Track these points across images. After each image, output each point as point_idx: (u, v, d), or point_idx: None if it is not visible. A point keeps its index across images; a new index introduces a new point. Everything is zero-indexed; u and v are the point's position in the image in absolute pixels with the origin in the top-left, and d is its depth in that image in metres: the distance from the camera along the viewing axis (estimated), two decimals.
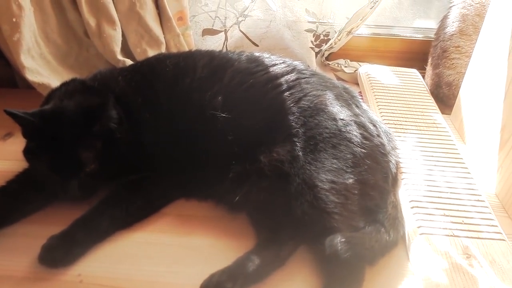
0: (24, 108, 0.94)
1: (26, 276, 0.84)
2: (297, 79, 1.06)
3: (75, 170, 0.91)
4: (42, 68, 1.23)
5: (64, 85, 1.05)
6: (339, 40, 1.55)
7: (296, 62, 1.13)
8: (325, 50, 1.60)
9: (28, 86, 1.25)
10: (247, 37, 1.57)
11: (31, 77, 1.19)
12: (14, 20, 1.13)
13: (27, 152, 0.94)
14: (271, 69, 1.08)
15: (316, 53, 1.61)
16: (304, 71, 1.10)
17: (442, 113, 1.32)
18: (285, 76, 1.06)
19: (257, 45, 1.58)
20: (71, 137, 0.90)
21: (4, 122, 0.92)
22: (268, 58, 1.12)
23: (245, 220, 0.98)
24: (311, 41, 1.57)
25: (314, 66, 1.58)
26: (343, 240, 0.79)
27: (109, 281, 0.84)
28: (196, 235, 0.95)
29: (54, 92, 1.04)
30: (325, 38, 1.60)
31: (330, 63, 1.62)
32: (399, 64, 1.58)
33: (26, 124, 0.92)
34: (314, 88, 1.04)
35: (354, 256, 0.80)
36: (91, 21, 1.25)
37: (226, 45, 1.58)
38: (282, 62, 1.11)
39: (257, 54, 1.14)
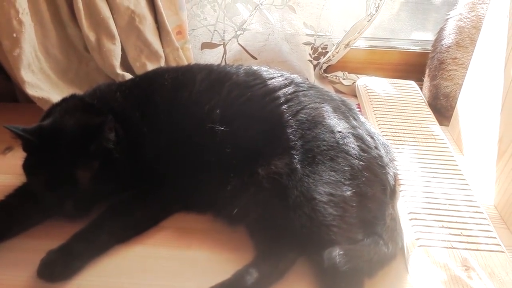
0: (24, 122, 0.95)
1: None
2: (294, 92, 1.06)
3: (71, 189, 0.91)
4: (42, 83, 1.24)
5: (64, 101, 1.05)
6: (337, 52, 1.56)
7: (294, 75, 1.14)
8: (323, 63, 1.61)
9: (28, 100, 1.25)
10: (245, 50, 1.58)
11: (31, 91, 1.19)
12: (14, 35, 1.14)
13: (26, 167, 0.95)
14: (269, 82, 1.08)
15: (314, 66, 1.62)
16: (301, 84, 1.10)
17: (440, 124, 1.32)
18: (283, 89, 1.06)
19: (255, 58, 1.59)
20: (68, 156, 0.91)
21: (4, 136, 0.92)
22: (266, 71, 1.12)
23: (244, 233, 0.97)
24: (309, 54, 1.59)
25: (312, 78, 1.59)
26: (341, 252, 0.80)
27: None
28: (194, 249, 0.95)
29: (54, 107, 1.04)
30: (323, 50, 1.61)
31: (328, 75, 1.63)
32: (397, 76, 1.59)
33: (24, 140, 0.93)
34: (312, 101, 1.05)
35: (353, 269, 0.80)
36: (91, 35, 1.26)
37: (225, 58, 1.59)
38: (280, 75, 1.11)
39: (255, 67, 1.14)
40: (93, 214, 0.95)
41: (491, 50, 1.17)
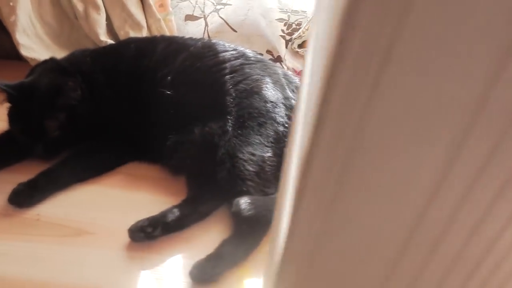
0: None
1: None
2: (241, 64, 1.20)
3: (40, 135, 1.12)
4: (36, 45, 1.43)
5: (44, 62, 1.25)
6: (306, 30, 1.67)
7: (247, 50, 1.27)
8: (295, 39, 1.73)
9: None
10: (226, 23, 1.72)
11: (24, 52, 1.40)
12: (11, 4, 1.34)
13: (9, 115, 1.16)
14: (221, 55, 1.22)
15: (287, 41, 1.75)
16: (250, 58, 1.24)
17: None
18: (231, 62, 1.20)
19: (235, 31, 1.73)
20: (39, 108, 1.11)
21: None
22: (222, 45, 1.26)
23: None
24: (282, 30, 1.71)
25: (283, 53, 1.71)
26: (248, 201, 0.96)
27: (61, 220, 1.03)
28: (141, 192, 1.13)
29: (36, 67, 1.24)
30: (297, 27, 1.72)
31: (299, 50, 1.75)
32: None
33: (7, 93, 1.14)
34: (255, 73, 1.18)
35: (255, 215, 0.96)
36: (79, 6, 1.44)
37: (207, 30, 1.73)
38: (234, 49, 1.25)
39: (214, 41, 1.29)
40: (61, 157, 1.16)
41: None
